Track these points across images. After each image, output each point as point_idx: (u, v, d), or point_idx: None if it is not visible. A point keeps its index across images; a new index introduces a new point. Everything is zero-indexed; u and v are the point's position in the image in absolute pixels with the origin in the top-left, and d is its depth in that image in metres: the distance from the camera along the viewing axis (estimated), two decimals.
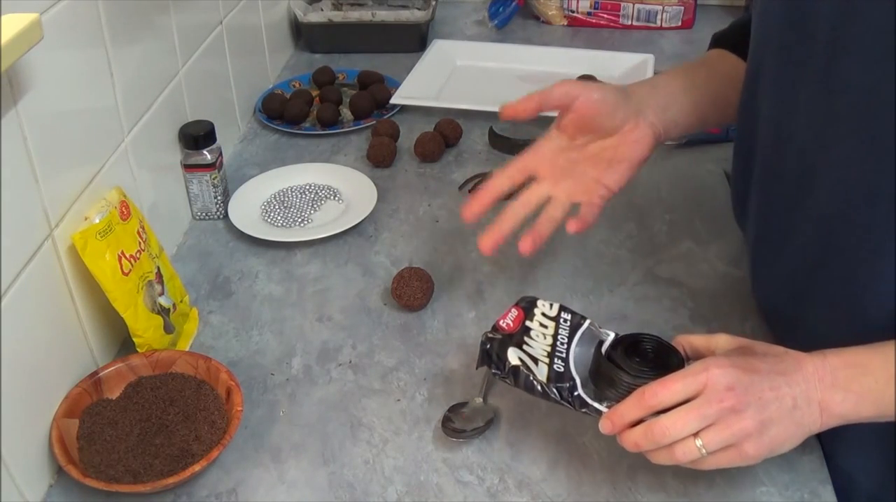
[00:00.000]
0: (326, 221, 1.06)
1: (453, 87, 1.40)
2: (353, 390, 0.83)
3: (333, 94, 1.33)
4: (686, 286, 0.95)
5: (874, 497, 0.78)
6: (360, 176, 1.13)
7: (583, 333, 0.73)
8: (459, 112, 1.28)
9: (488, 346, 0.71)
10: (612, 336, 0.72)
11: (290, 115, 1.27)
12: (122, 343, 0.88)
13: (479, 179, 1.15)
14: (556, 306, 0.75)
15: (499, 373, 0.70)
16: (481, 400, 0.80)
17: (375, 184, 1.10)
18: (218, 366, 0.79)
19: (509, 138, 1.20)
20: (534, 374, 0.68)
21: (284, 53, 1.51)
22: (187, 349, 0.88)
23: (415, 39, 1.52)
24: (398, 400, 0.82)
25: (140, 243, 0.83)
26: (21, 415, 0.69)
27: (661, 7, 1.61)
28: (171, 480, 0.70)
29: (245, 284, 0.97)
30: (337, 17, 1.52)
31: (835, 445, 0.75)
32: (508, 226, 0.81)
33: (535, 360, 0.70)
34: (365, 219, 1.05)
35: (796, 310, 0.77)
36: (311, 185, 1.12)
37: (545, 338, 0.72)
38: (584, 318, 0.74)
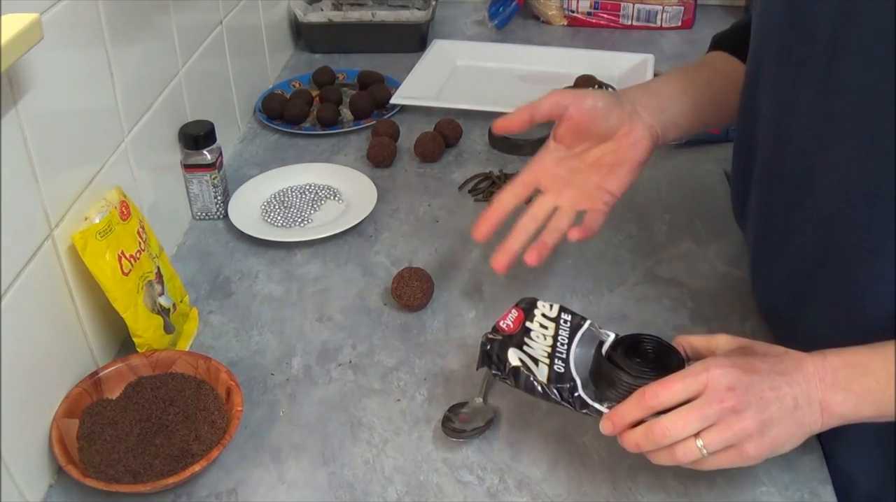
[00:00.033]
0: (326, 221, 1.06)
1: (453, 87, 1.40)
2: (353, 390, 0.83)
3: (333, 94, 1.33)
4: (686, 286, 0.95)
5: (874, 497, 0.78)
6: (360, 176, 1.13)
7: (583, 334, 0.73)
8: (459, 112, 1.28)
9: (489, 347, 0.71)
10: (612, 336, 0.72)
11: (290, 115, 1.27)
12: (122, 343, 0.88)
13: (479, 179, 1.15)
14: (556, 307, 0.75)
15: (499, 373, 0.70)
16: (481, 400, 0.80)
17: (375, 184, 1.10)
18: (218, 365, 0.79)
19: (509, 138, 1.20)
20: (534, 375, 0.68)
21: (284, 53, 1.51)
22: (187, 349, 0.88)
23: (415, 39, 1.52)
24: (398, 400, 0.82)
25: (140, 243, 0.83)
26: (21, 415, 0.69)
27: (661, 7, 1.61)
28: (171, 480, 0.70)
29: (245, 284, 0.97)
30: (337, 17, 1.52)
31: (835, 445, 0.75)
32: (519, 243, 0.82)
33: (536, 361, 0.70)
34: (365, 219, 1.05)
35: (796, 310, 0.77)
36: (311, 185, 1.12)
37: (545, 338, 0.72)
38: (585, 319, 0.74)
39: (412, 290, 0.90)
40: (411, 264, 0.98)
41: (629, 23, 1.64)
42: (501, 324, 0.73)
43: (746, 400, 0.61)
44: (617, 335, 0.72)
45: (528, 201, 0.84)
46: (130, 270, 0.80)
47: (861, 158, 0.64)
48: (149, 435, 0.75)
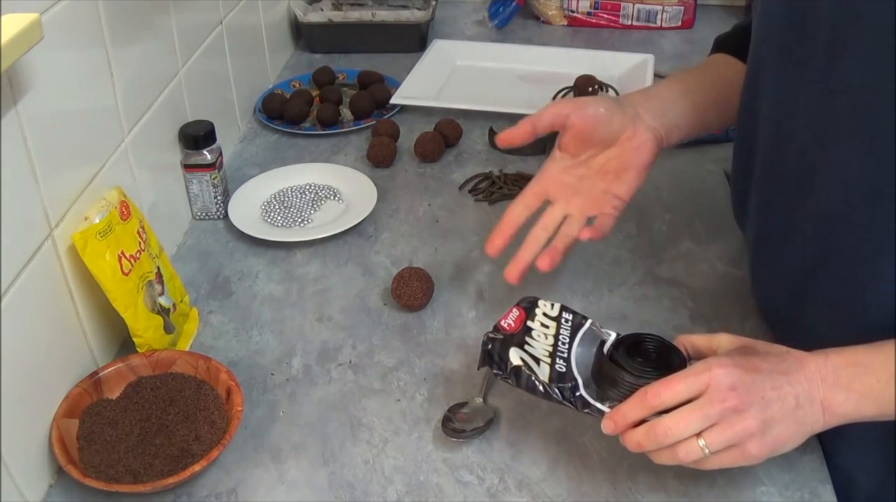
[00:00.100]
0: (326, 221, 1.06)
1: (453, 87, 1.40)
2: (353, 390, 0.83)
3: (333, 94, 1.33)
4: (686, 286, 0.95)
5: (874, 496, 0.78)
6: (360, 176, 1.13)
7: (584, 333, 0.73)
8: (459, 112, 1.28)
9: (490, 347, 0.71)
10: (613, 336, 0.72)
11: (290, 115, 1.27)
12: (122, 343, 0.88)
13: (479, 179, 1.15)
14: (557, 306, 0.75)
15: (501, 373, 0.70)
16: (481, 400, 0.80)
17: (375, 184, 1.10)
18: (218, 366, 0.79)
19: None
20: (536, 375, 0.68)
21: (284, 53, 1.51)
22: (187, 349, 0.88)
23: (415, 39, 1.52)
24: (398, 400, 0.82)
25: (140, 243, 0.83)
26: (21, 415, 0.69)
27: (661, 7, 1.61)
28: (171, 480, 0.70)
29: (245, 284, 0.97)
30: (337, 17, 1.52)
31: (835, 444, 0.75)
32: (531, 254, 0.83)
33: (537, 360, 0.70)
34: (365, 219, 1.05)
35: (796, 310, 0.77)
36: (311, 185, 1.12)
37: (547, 338, 0.72)
38: (586, 318, 0.74)
39: (412, 290, 0.90)
40: (411, 264, 0.98)
41: (629, 23, 1.64)
42: (503, 323, 0.73)
43: (748, 400, 0.61)
44: (618, 334, 0.72)
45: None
46: (130, 270, 0.80)
47: (861, 158, 0.64)
48: (149, 435, 0.75)
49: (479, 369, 0.73)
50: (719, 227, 1.04)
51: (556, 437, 0.77)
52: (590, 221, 0.83)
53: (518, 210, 0.84)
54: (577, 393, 0.67)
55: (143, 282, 0.82)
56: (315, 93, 1.35)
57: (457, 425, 0.77)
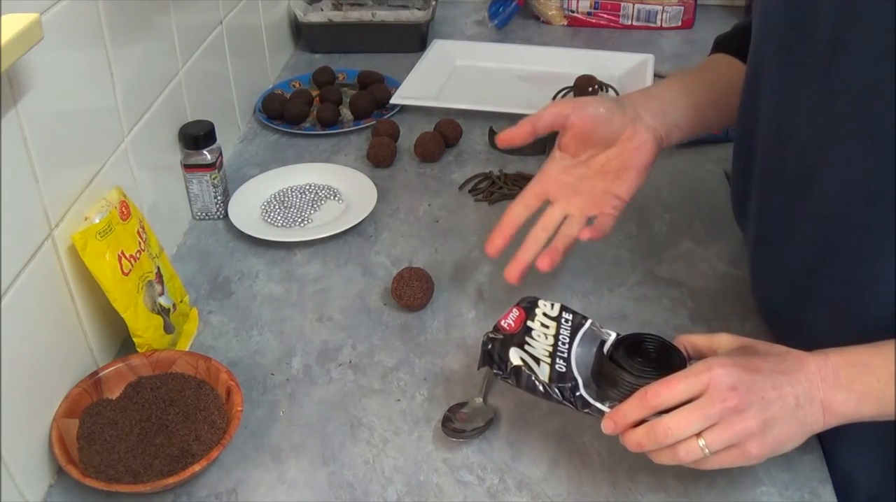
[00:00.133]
0: (326, 221, 1.06)
1: (453, 87, 1.40)
2: (353, 390, 0.83)
3: (333, 94, 1.33)
4: (686, 286, 0.95)
5: (874, 496, 0.78)
6: (360, 176, 1.13)
7: (584, 333, 0.73)
8: (459, 112, 1.28)
9: (490, 347, 0.71)
10: (613, 336, 0.72)
11: (290, 115, 1.27)
12: (122, 343, 0.88)
13: (479, 179, 1.15)
14: (557, 306, 0.75)
15: (501, 373, 0.70)
16: (481, 400, 0.80)
17: (375, 184, 1.10)
18: (218, 366, 0.79)
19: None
20: (536, 374, 0.68)
21: (284, 53, 1.51)
22: (187, 349, 0.88)
23: (415, 39, 1.52)
24: (398, 400, 0.82)
25: (140, 243, 0.83)
26: (21, 415, 0.69)
27: (661, 7, 1.61)
28: (171, 480, 0.70)
29: (245, 284, 0.97)
30: (337, 17, 1.52)
31: (835, 444, 0.75)
32: (531, 254, 0.83)
33: (537, 360, 0.70)
34: (365, 219, 1.05)
35: (796, 310, 0.77)
36: (311, 185, 1.12)
37: (547, 338, 0.72)
38: (586, 318, 0.74)
39: (412, 290, 0.90)
40: (411, 264, 0.98)
41: (629, 23, 1.64)
42: (503, 323, 0.73)
43: (748, 400, 0.61)
44: (618, 334, 0.72)
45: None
46: (130, 270, 0.80)
47: (861, 158, 0.64)
48: (149, 435, 0.75)
49: (479, 369, 0.73)
50: (719, 227, 1.04)
51: (556, 437, 0.77)
52: (590, 221, 0.83)
53: (518, 210, 0.84)
54: (577, 393, 0.67)
55: (143, 282, 0.82)
56: (315, 93, 1.35)
57: (457, 425, 0.77)
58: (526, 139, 0.82)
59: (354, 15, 1.52)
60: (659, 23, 1.63)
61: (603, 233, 0.82)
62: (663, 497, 0.72)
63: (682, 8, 1.61)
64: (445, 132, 1.21)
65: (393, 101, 1.31)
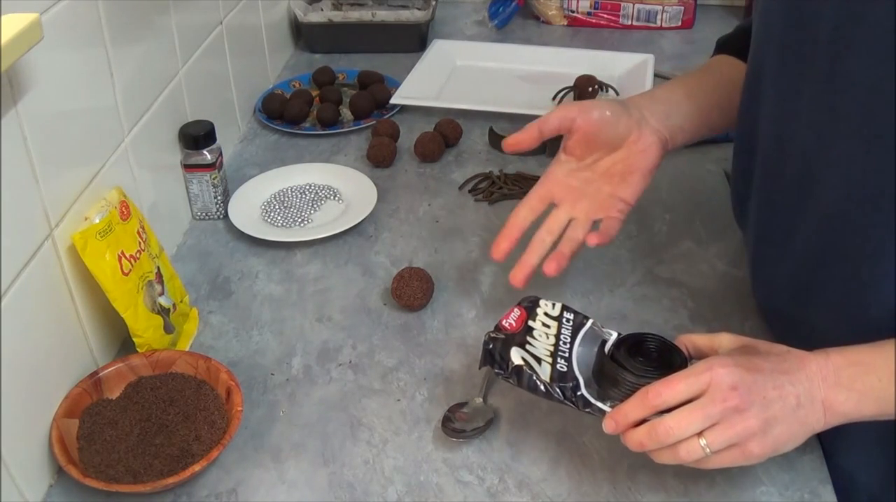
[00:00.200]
0: (326, 221, 1.06)
1: (453, 87, 1.40)
2: (353, 390, 0.83)
3: (333, 94, 1.33)
4: (686, 286, 0.95)
5: (875, 496, 0.78)
6: (360, 176, 1.13)
7: (585, 333, 0.73)
8: (459, 112, 1.28)
9: (491, 346, 0.71)
10: (614, 335, 0.72)
11: (290, 115, 1.27)
12: (122, 343, 0.88)
13: (479, 179, 1.15)
14: (558, 306, 0.75)
15: (502, 373, 0.70)
16: (481, 400, 0.80)
17: (375, 184, 1.10)
18: (218, 366, 0.79)
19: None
20: (537, 374, 0.68)
21: (284, 53, 1.51)
22: (187, 349, 0.88)
23: (415, 39, 1.52)
24: (398, 400, 0.82)
25: (140, 243, 0.83)
26: (21, 415, 0.69)
27: (661, 7, 1.61)
28: (171, 480, 0.69)
29: (245, 284, 0.97)
30: (337, 17, 1.52)
31: (835, 444, 0.75)
32: (536, 257, 0.83)
33: (538, 360, 0.70)
34: (365, 219, 1.05)
35: (797, 310, 0.77)
36: (311, 185, 1.12)
37: (548, 337, 0.72)
38: (587, 318, 0.74)
39: (412, 290, 0.90)
40: (411, 264, 0.98)
41: (629, 23, 1.64)
42: (504, 322, 0.73)
43: (749, 400, 0.61)
44: (619, 334, 0.72)
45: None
46: (130, 270, 0.80)
47: (863, 158, 0.64)
48: (149, 435, 0.75)
49: (480, 369, 0.73)
50: (719, 227, 1.04)
51: (557, 437, 0.77)
52: (595, 225, 0.83)
53: (523, 213, 0.84)
54: (579, 393, 0.67)
55: (143, 282, 0.82)
56: (315, 93, 1.35)
57: (457, 425, 0.77)
58: (533, 144, 0.82)
59: (354, 15, 1.52)
60: (659, 23, 1.63)
61: (610, 238, 0.82)
62: (663, 496, 0.72)
63: (682, 8, 1.61)
64: (445, 132, 1.21)
65: (393, 101, 1.31)
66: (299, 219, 1.06)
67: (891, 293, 0.66)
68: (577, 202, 0.83)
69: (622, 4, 1.62)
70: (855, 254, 0.68)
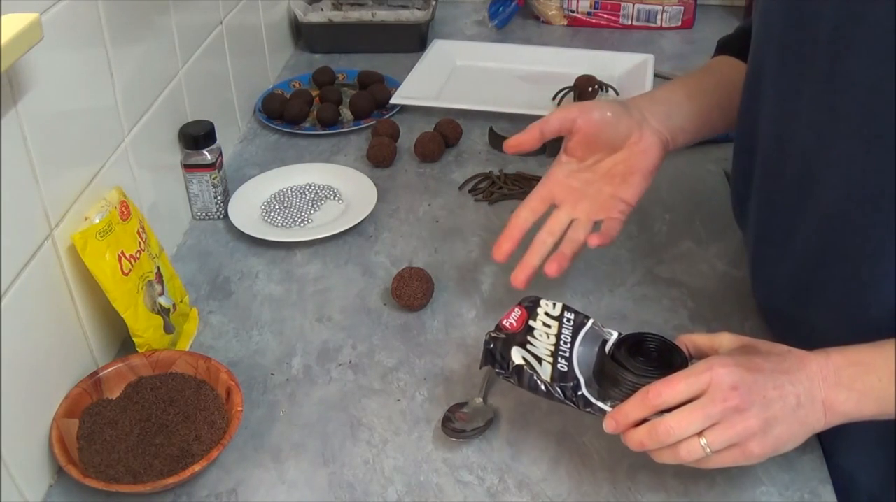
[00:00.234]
0: (326, 221, 1.06)
1: (453, 87, 1.40)
2: (353, 390, 0.83)
3: (333, 94, 1.33)
4: (686, 286, 0.95)
5: (875, 496, 0.78)
6: (360, 176, 1.13)
7: (586, 332, 0.73)
8: (459, 112, 1.28)
9: (492, 346, 0.71)
10: (615, 335, 0.72)
11: (290, 115, 1.27)
12: (122, 343, 0.88)
13: (479, 179, 1.15)
14: (559, 305, 0.75)
15: (502, 372, 0.70)
16: (481, 400, 0.80)
17: (375, 184, 1.10)
18: (218, 365, 0.79)
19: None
20: (537, 374, 0.68)
21: (284, 53, 1.51)
22: (187, 349, 0.87)
23: (415, 39, 1.52)
24: (398, 400, 0.82)
25: (140, 243, 0.83)
26: (21, 415, 0.69)
27: (661, 7, 1.61)
28: (171, 480, 0.69)
29: (245, 284, 0.97)
30: (337, 17, 1.52)
31: (835, 444, 0.75)
32: (538, 258, 0.83)
33: (539, 360, 0.70)
34: (365, 219, 1.05)
35: (797, 310, 0.77)
36: (311, 185, 1.12)
37: (548, 337, 0.72)
38: (588, 318, 0.74)
39: (412, 290, 0.90)
40: (411, 264, 0.98)
41: (629, 23, 1.64)
42: (505, 322, 0.73)
43: (750, 399, 0.61)
44: (620, 334, 0.72)
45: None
46: (130, 270, 0.80)
47: (863, 158, 0.64)
48: (149, 435, 0.75)
49: (481, 368, 0.73)
50: (719, 227, 1.04)
51: (557, 437, 0.77)
52: (596, 226, 0.83)
53: (524, 214, 0.84)
54: (579, 393, 0.67)
55: (143, 282, 0.82)
56: (315, 93, 1.35)
57: (457, 425, 0.77)
58: (534, 145, 0.82)
59: (354, 15, 1.52)
60: (659, 23, 1.63)
61: (611, 239, 0.82)
62: (663, 496, 0.72)
63: (682, 8, 1.61)
64: (445, 132, 1.21)
65: (393, 101, 1.31)
66: (299, 219, 1.06)
67: (891, 293, 0.66)
68: (578, 203, 0.83)
69: (622, 4, 1.62)
70: (855, 254, 0.68)
